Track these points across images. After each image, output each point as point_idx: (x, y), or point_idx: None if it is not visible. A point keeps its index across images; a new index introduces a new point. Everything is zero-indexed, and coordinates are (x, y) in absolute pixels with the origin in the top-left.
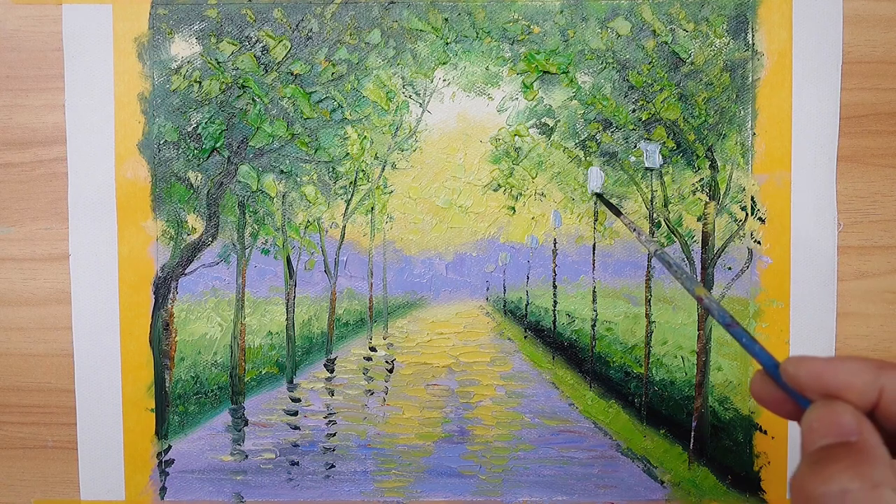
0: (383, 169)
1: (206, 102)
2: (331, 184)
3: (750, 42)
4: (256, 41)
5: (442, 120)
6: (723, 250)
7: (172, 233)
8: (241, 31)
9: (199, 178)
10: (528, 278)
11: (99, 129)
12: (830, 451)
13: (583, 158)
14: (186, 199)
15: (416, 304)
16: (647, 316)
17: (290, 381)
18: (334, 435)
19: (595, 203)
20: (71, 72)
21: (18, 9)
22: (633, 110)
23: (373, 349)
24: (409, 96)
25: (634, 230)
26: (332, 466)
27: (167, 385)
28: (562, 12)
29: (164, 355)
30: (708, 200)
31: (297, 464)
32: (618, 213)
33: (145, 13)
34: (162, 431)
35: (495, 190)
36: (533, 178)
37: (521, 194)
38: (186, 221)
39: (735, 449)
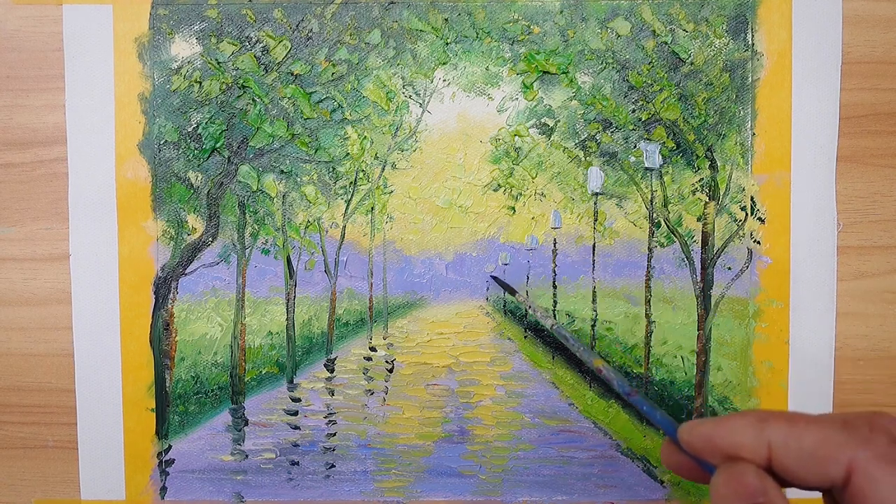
0: (383, 169)
1: (207, 102)
2: (331, 184)
3: (750, 42)
4: (257, 41)
5: (442, 120)
6: (723, 250)
7: (173, 233)
8: (241, 31)
9: (199, 178)
10: (527, 278)
11: (99, 130)
12: None
13: (583, 158)
14: (187, 199)
15: (416, 304)
16: (647, 316)
17: (291, 381)
18: (334, 435)
19: (595, 203)
20: (71, 72)
21: (19, 9)
22: (633, 110)
23: (373, 349)
24: (409, 96)
25: (530, 307)
26: (333, 466)
27: (167, 385)
28: (562, 12)
29: (165, 355)
30: (708, 200)
31: (298, 464)
32: (512, 291)
33: (145, 13)
34: (162, 431)
35: (495, 190)
36: (533, 178)
37: (521, 194)
38: (187, 221)
39: None
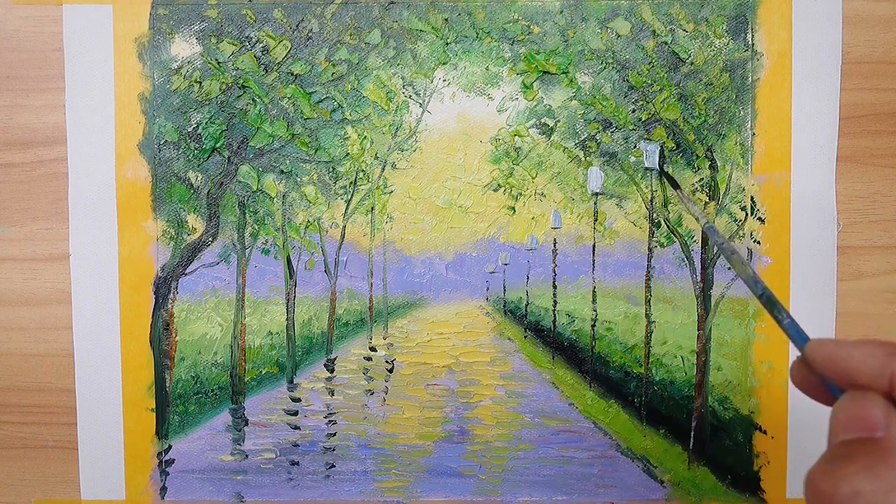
0: (383, 169)
1: (207, 102)
2: (331, 184)
3: (750, 42)
4: (257, 41)
5: (442, 120)
6: None
7: (173, 233)
8: (241, 31)
9: (199, 178)
10: (528, 278)
11: (99, 130)
12: (850, 448)
13: (583, 158)
14: (187, 199)
15: (416, 304)
16: (647, 316)
17: (291, 381)
18: (334, 435)
19: (595, 203)
20: (71, 72)
21: (19, 9)
22: (633, 110)
23: (373, 349)
24: (409, 96)
25: (685, 200)
26: (332, 466)
27: (167, 385)
28: (562, 12)
29: (165, 355)
30: (708, 200)
31: (298, 464)
32: (675, 185)
33: (146, 13)
34: (162, 431)
35: (495, 190)
36: (533, 178)
37: (521, 194)
38: (187, 221)
39: (735, 449)
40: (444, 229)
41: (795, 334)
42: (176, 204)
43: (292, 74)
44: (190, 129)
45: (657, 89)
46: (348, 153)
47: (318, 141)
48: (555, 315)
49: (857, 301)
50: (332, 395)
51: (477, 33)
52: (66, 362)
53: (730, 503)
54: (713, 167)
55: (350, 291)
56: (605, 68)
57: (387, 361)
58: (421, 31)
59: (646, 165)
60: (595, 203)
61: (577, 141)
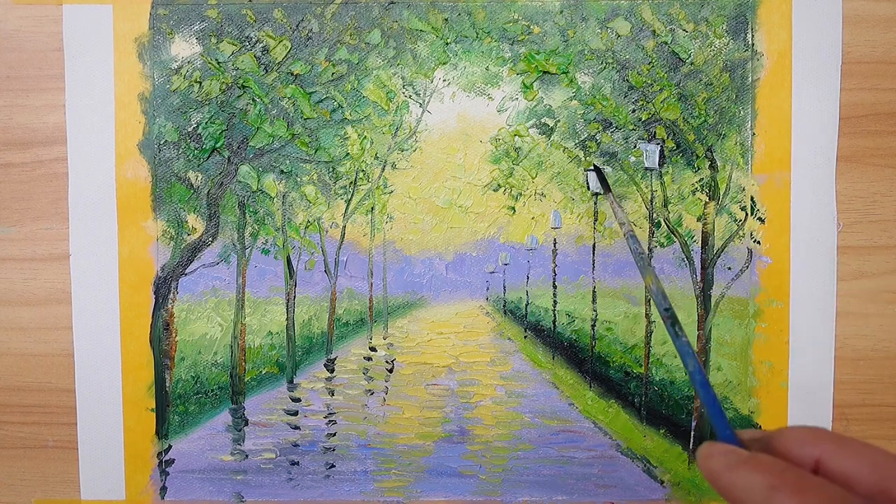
0: (383, 169)
1: (207, 102)
2: (331, 184)
3: (750, 42)
4: (257, 41)
5: (442, 120)
6: (722, 250)
7: (173, 233)
8: (241, 31)
9: (199, 178)
10: (528, 278)
11: (99, 130)
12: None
13: (583, 158)
14: (187, 199)
15: (416, 304)
16: (647, 316)
17: (291, 381)
18: (334, 435)
19: (595, 203)
20: (71, 72)
21: (19, 9)
22: (633, 110)
23: (373, 349)
24: (409, 96)
25: (614, 204)
26: (332, 466)
27: (167, 385)
28: (562, 12)
29: (165, 355)
30: (708, 200)
31: (298, 464)
32: (608, 188)
33: (146, 13)
34: (162, 431)
35: (495, 190)
36: (533, 178)
37: (521, 194)
38: (187, 221)
39: None
40: (444, 229)
41: (689, 355)
42: (176, 204)
43: (292, 74)
44: (190, 129)
45: (657, 89)
46: (348, 153)
47: (318, 141)
48: (555, 315)
49: (857, 301)
50: (332, 395)
51: (477, 33)
52: (66, 362)
53: None
54: (713, 167)
55: (350, 291)
56: (605, 68)
57: (387, 361)
58: (421, 31)
59: (646, 165)
60: (595, 203)
61: (577, 141)
